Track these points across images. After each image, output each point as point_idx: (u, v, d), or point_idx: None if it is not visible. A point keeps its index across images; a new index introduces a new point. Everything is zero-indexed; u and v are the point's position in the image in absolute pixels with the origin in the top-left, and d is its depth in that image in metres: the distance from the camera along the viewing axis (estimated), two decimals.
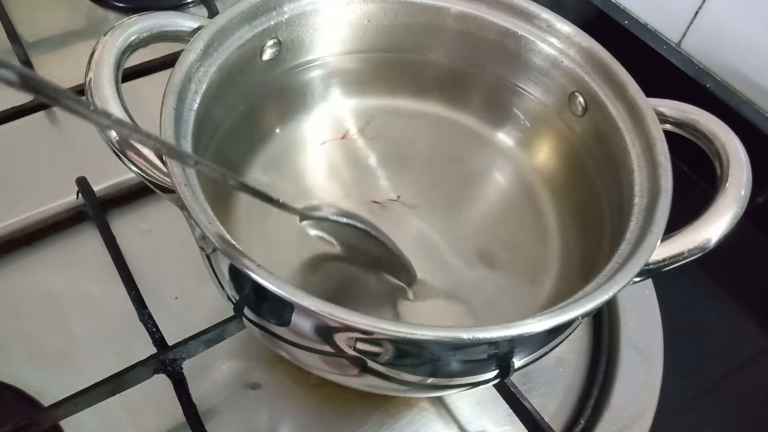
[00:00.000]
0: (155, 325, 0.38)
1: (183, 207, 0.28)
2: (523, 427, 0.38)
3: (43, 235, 0.45)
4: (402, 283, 0.36)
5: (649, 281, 0.46)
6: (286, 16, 0.38)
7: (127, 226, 0.45)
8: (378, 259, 0.36)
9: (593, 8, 0.61)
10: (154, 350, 0.37)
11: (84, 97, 0.30)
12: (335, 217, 0.33)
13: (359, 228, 0.34)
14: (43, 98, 0.17)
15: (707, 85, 0.55)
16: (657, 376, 0.42)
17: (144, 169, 0.31)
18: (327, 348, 0.29)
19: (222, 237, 0.27)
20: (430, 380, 0.32)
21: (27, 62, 0.53)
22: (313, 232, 0.34)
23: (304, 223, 0.33)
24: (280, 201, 0.29)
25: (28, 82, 0.16)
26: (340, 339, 0.28)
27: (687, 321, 0.46)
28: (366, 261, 0.36)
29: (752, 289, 0.51)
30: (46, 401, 0.36)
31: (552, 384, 0.42)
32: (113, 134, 0.31)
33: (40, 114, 0.50)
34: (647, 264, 0.29)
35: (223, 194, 0.38)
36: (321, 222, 0.33)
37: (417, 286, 0.36)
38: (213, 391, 0.39)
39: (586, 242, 0.38)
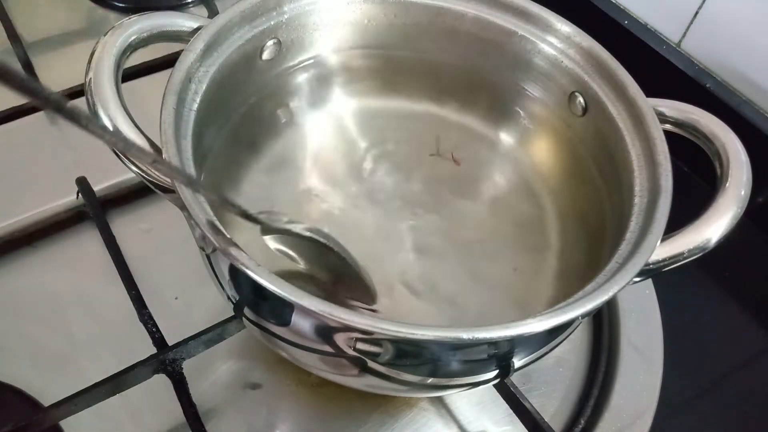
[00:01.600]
0: (155, 325, 0.38)
1: (183, 207, 0.28)
2: (523, 427, 0.38)
3: (43, 235, 0.45)
4: (361, 303, 0.35)
5: (649, 281, 0.46)
6: (286, 16, 0.38)
7: (127, 226, 0.45)
8: (339, 275, 0.35)
9: (593, 8, 0.61)
10: (154, 350, 0.37)
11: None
12: (297, 230, 0.32)
13: (320, 242, 0.33)
14: None
15: (707, 85, 0.55)
16: (657, 376, 0.42)
17: (144, 169, 0.31)
18: (327, 348, 0.29)
19: (222, 237, 0.27)
20: (430, 380, 0.32)
21: (27, 63, 0.53)
22: (273, 245, 0.33)
23: (266, 237, 0.32)
24: (242, 209, 0.28)
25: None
26: (340, 339, 0.28)
27: (687, 321, 0.46)
28: (327, 278, 0.35)
29: (752, 289, 0.51)
30: (46, 401, 0.36)
31: (552, 384, 0.42)
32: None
33: (40, 114, 0.50)
34: (647, 264, 0.29)
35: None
36: (283, 236, 0.32)
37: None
38: (213, 391, 0.39)
39: (586, 242, 0.38)
